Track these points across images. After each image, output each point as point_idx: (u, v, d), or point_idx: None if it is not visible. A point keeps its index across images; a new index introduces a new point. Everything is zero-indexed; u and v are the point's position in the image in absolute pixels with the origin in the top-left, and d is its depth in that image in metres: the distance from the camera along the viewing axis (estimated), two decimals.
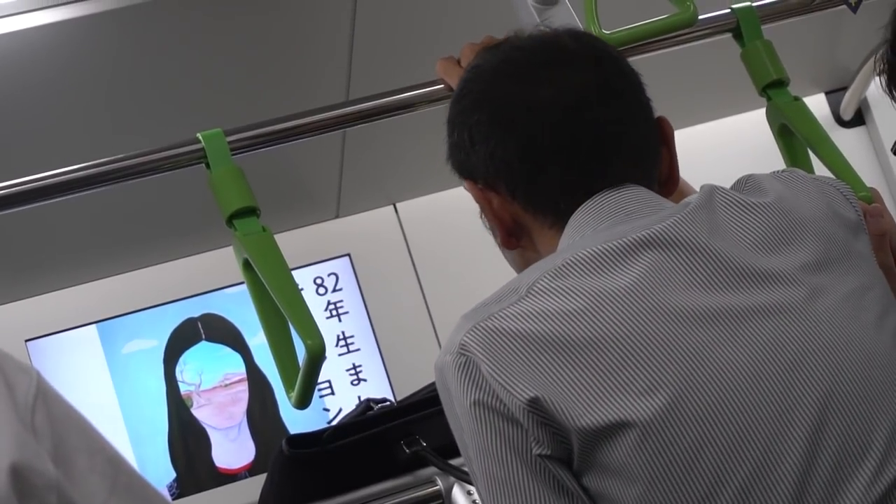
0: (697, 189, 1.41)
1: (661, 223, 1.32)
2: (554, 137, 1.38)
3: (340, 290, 3.74)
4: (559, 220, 1.39)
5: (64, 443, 1.08)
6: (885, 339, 1.31)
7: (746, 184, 1.41)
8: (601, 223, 1.35)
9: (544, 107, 1.38)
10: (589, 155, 1.38)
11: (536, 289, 1.27)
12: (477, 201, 1.44)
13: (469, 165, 1.44)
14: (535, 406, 1.21)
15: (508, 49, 1.46)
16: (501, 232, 1.43)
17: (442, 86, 1.80)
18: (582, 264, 1.28)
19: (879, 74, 1.65)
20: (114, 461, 1.13)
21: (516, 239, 1.43)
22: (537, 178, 1.39)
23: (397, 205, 3.81)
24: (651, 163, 1.43)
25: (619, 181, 1.38)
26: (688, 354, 1.23)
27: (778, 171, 1.47)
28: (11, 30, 2.47)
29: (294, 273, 1.65)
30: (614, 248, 1.29)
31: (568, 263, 1.29)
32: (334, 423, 2.84)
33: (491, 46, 1.50)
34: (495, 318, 1.26)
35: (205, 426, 3.63)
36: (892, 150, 1.73)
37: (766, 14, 1.92)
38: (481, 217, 1.48)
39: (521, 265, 1.46)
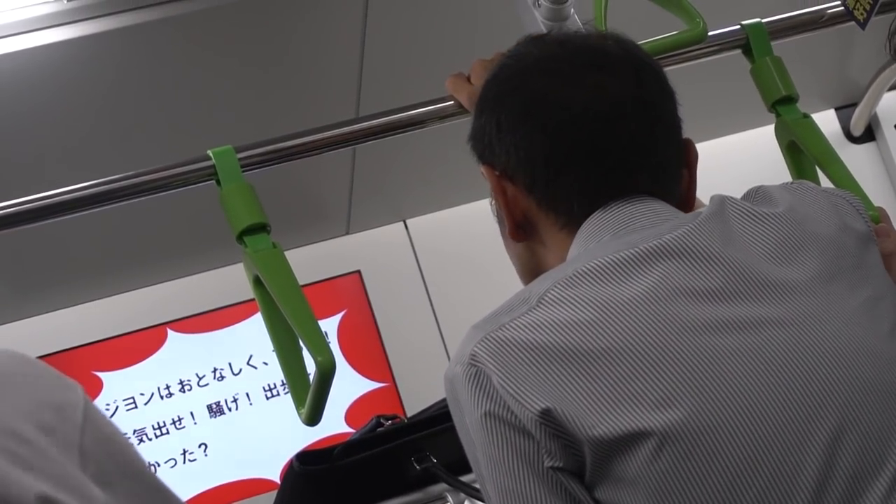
0: (707, 202, 1.41)
1: (673, 232, 1.31)
2: (582, 142, 1.37)
3: None
4: (571, 222, 1.38)
5: (110, 464, 1.05)
6: None
7: (756, 194, 1.41)
8: (613, 233, 1.35)
9: (579, 110, 1.38)
10: (613, 165, 1.38)
11: (547, 299, 1.27)
12: (492, 188, 1.43)
13: (491, 151, 1.43)
14: (547, 417, 1.21)
15: (553, 44, 1.45)
16: (510, 223, 1.42)
17: (452, 102, 1.81)
18: (593, 274, 1.28)
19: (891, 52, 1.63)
20: (153, 485, 1.11)
21: (524, 232, 1.43)
22: (557, 179, 1.38)
23: (407, 221, 3.81)
24: (671, 181, 1.42)
25: (638, 194, 1.38)
26: (701, 365, 1.23)
27: (787, 183, 1.47)
28: (22, 48, 2.48)
29: (304, 289, 1.65)
30: (626, 257, 1.29)
31: (579, 273, 1.28)
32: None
33: (536, 37, 1.49)
34: (506, 328, 1.26)
35: None
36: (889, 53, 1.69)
37: (776, 30, 1.92)
38: (490, 204, 1.48)
39: (524, 260, 1.45)
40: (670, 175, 1.42)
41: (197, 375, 3.68)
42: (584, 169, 1.37)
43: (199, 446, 3.64)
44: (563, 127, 1.38)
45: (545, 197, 1.39)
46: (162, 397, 3.66)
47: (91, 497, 1.00)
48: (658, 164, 1.40)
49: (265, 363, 3.70)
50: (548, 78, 1.41)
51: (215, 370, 3.69)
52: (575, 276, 1.28)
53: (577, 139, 1.37)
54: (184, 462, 3.62)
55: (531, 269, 1.43)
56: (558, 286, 1.28)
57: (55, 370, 1.08)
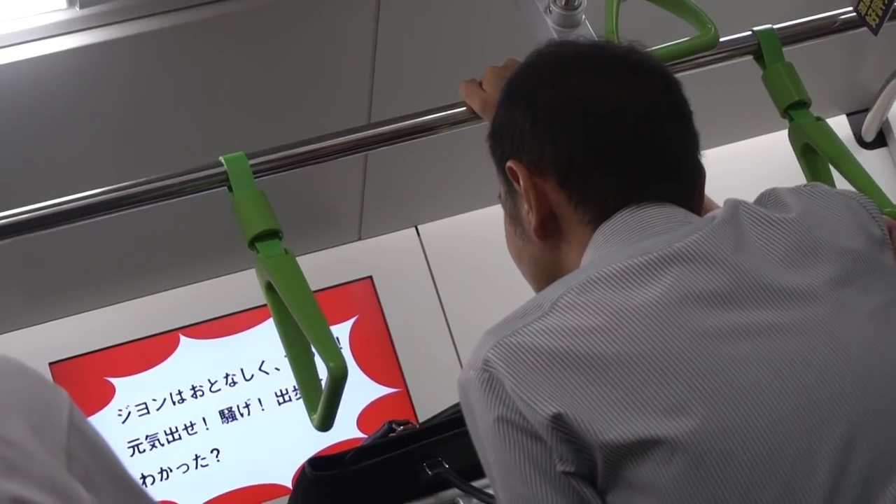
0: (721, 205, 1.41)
1: (686, 238, 1.32)
2: (623, 139, 1.38)
3: None
4: (598, 218, 1.38)
5: (96, 468, 1.05)
6: None
7: (769, 198, 1.41)
8: (627, 238, 1.35)
9: (621, 106, 1.39)
10: (649, 166, 1.39)
11: (561, 304, 1.27)
12: (521, 181, 1.42)
13: (521, 145, 1.43)
14: (559, 422, 1.21)
15: (586, 45, 1.47)
16: (536, 219, 1.42)
17: (464, 108, 1.81)
18: (607, 280, 1.28)
19: None
20: (134, 490, 1.12)
21: (547, 230, 1.42)
22: (593, 174, 1.39)
23: (419, 227, 3.81)
24: (694, 190, 1.43)
25: (665, 198, 1.39)
26: (713, 372, 1.23)
27: (801, 186, 1.47)
28: (34, 55, 2.49)
29: (316, 295, 1.65)
30: (640, 264, 1.29)
31: (593, 280, 1.29)
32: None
33: (564, 40, 1.50)
34: (519, 333, 1.26)
35: None
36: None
37: (787, 36, 1.93)
38: (503, 203, 1.48)
39: (540, 260, 1.45)
40: (693, 184, 1.43)
41: (209, 381, 3.68)
42: (621, 165, 1.38)
43: (212, 451, 3.64)
44: (605, 121, 1.38)
45: (577, 190, 1.39)
46: (174, 403, 3.66)
47: (78, 498, 1.00)
48: (686, 170, 1.42)
49: (277, 369, 3.70)
50: (588, 74, 1.42)
51: (227, 376, 3.69)
52: (588, 282, 1.28)
53: (617, 135, 1.38)
54: (196, 468, 3.62)
55: (547, 271, 1.43)
56: (572, 292, 1.28)
57: (41, 374, 1.09)
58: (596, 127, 1.38)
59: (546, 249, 1.44)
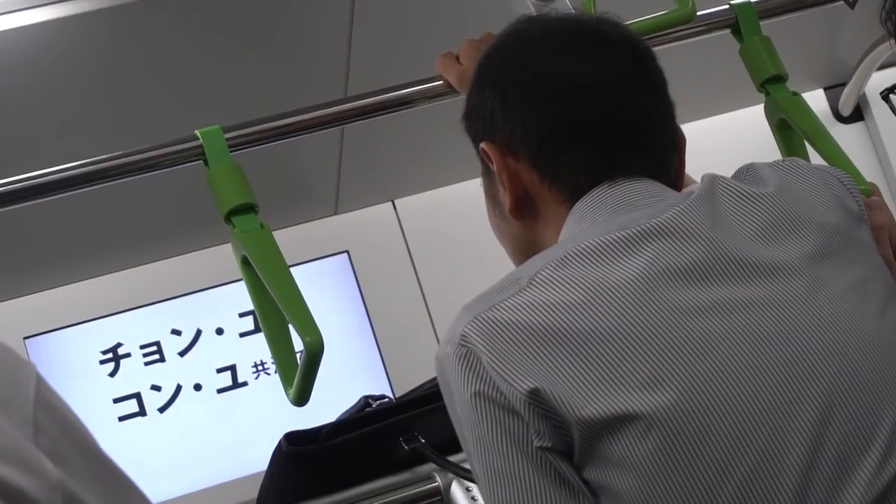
0: (699, 181, 1.41)
1: (663, 214, 1.31)
2: (591, 115, 1.38)
3: None
4: (573, 196, 1.38)
5: (63, 440, 1.04)
6: (889, 328, 1.31)
7: (747, 173, 1.41)
8: (605, 213, 1.35)
9: (588, 84, 1.38)
10: (620, 140, 1.38)
11: (538, 279, 1.27)
12: (494, 163, 1.42)
13: (493, 126, 1.43)
14: (536, 397, 1.21)
15: (554, 21, 1.46)
16: (511, 199, 1.41)
17: (441, 82, 1.80)
18: (584, 255, 1.28)
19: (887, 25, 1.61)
20: (105, 463, 1.11)
21: (523, 210, 1.42)
22: (563, 152, 1.38)
23: (396, 201, 3.80)
24: (669, 162, 1.43)
25: (639, 172, 1.38)
26: (690, 347, 1.23)
27: (778, 161, 1.47)
28: (7, 27, 2.47)
29: (292, 270, 1.64)
30: (617, 239, 1.29)
31: (570, 255, 1.28)
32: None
33: (532, 17, 1.49)
34: (497, 308, 1.26)
35: None
36: (881, 94, 1.70)
37: (764, 10, 1.92)
38: (481, 184, 1.47)
39: (519, 239, 1.45)
40: (668, 155, 1.43)
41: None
42: (591, 141, 1.38)
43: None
44: (572, 98, 1.38)
45: (550, 169, 1.39)
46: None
47: (43, 472, 0.98)
48: (659, 143, 1.41)
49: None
50: (554, 52, 1.41)
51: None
52: (566, 257, 1.28)
53: (585, 111, 1.38)
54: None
55: (526, 249, 1.43)
56: (549, 267, 1.28)
57: (7, 347, 1.06)
58: (563, 105, 1.38)
59: (524, 228, 1.44)
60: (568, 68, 1.39)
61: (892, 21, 1.57)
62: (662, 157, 1.42)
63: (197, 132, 1.73)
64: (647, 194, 1.36)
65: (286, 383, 1.64)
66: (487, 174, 1.46)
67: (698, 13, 1.85)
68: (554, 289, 1.26)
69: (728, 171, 1.43)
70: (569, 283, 1.26)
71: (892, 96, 1.68)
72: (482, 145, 1.43)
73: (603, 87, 1.38)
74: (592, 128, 1.38)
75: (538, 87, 1.40)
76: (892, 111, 1.68)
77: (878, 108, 3.83)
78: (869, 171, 3.79)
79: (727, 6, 1.90)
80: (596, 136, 1.38)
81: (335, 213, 3.78)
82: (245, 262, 1.66)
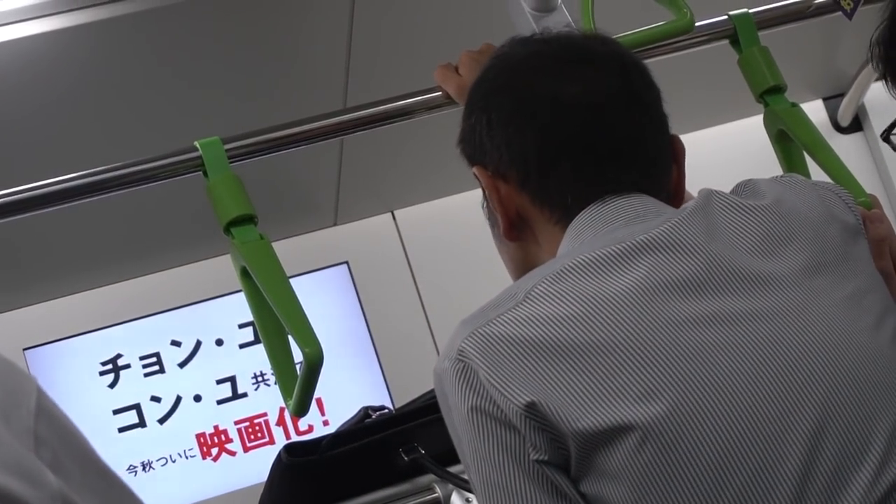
0: (696, 195, 1.41)
1: (659, 227, 1.32)
2: (574, 134, 1.37)
3: None
4: (565, 217, 1.38)
5: (64, 452, 1.05)
6: (884, 341, 1.31)
7: (745, 188, 1.42)
8: (601, 229, 1.35)
9: (570, 104, 1.38)
10: (607, 158, 1.38)
11: (534, 294, 1.27)
12: (485, 188, 1.43)
13: (482, 151, 1.43)
14: (532, 411, 1.21)
15: (537, 43, 1.46)
16: (504, 222, 1.42)
17: (440, 93, 1.80)
18: (580, 269, 1.28)
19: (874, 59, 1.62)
20: (105, 475, 1.11)
21: (518, 231, 1.42)
22: (550, 174, 1.38)
23: (395, 212, 3.81)
24: (662, 176, 1.43)
25: (630, 189, 1.38)
26: (685, 359, 1.23)
27: (777, 176, 1.48)
28: (3, 39, 2.47)
29: (292, 281, 1.64)
30: (613, 252, 1.29)
31: (566, 269, 1.29)
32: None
33: (520, 38, 1.49)
34: (493, 323, 1.26)
35: None
36: (881, 136, 1.73)
37: (763, 20, 1.92)
38: (482, 206, 1.48)
39: (517, 260, 1.45)
40: (660, 169, 1.42)
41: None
42: (577, 161, 1.38)
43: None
44: (555, 119, 1.38)
45: (539, 191, 1.39)
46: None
47: (44, 483, 0.99)
48: (648, 158, 1.41)
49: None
50: (536, 73, 1.41)
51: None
52: (562, 271, 1.29)
53: (569, 131, 1.38)
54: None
55: (524, 269, 1.43)
56: (545, 281, 1.28)
57: (9, 360, 1.07)
58: (547, 126, 1.38)
59: (520, 249, 1.44)
60: (551, 88, 1.39)
61: (883, 63, 1.58)
62: (654, 173, 1.42)
63: (196, 143, 1.73)
64: (643, 209, 1.36)
65: (286, 394, 1.64)
66: (484, 196, 1.47)
67: (697, 24, 1.85)
68: (550, 303, 1.26)
69: (726, 183, 1.43)
70: (565, 297, 1.26)
71: (892, 137, 1.69)
72: (474, 170, 1.45)
73: (587, 106, 1.38)
74: (578, 147, 1.38)
75: (522, 109, 1.40)
76: (894, 150, 1.69)
77: (876, 119, 3.84)
78: (868, 181, 3.80)
79: (726, 17, 1.91)
80: (582, 155, 1.38)
81: (335, 224, 3.78)
82: (244, 273, 1.67)
